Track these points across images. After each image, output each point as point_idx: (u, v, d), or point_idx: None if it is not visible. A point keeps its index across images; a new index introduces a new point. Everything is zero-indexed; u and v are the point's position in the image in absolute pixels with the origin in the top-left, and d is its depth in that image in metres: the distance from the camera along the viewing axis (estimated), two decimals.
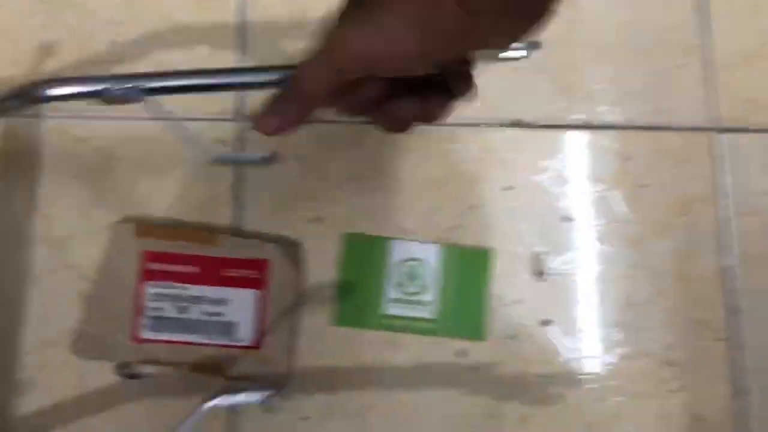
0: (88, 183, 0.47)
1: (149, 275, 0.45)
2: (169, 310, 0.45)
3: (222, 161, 0.46)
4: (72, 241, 0.46)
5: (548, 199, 0.50)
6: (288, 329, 0.46)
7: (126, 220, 0.46)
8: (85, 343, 0.45)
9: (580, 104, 0.51)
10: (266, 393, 0.41)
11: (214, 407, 0.41)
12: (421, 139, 0.49)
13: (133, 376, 0.45)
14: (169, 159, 0.47)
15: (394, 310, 0.47)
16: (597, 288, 0.49)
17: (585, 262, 0.49)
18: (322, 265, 0.47)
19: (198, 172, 0.47)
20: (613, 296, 0.49)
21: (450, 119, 0.49)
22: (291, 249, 0.47)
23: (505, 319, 0.48)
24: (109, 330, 0.45)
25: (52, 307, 0.45)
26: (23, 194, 0.46)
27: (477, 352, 0.47)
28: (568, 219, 0.49)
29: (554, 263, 0.49)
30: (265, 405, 0.45)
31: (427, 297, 0.47)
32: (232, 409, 0.45)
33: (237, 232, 0.47)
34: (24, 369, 0.44)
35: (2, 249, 0.45)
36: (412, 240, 0.48)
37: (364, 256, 0.47)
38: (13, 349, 0.45)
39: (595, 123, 0.51)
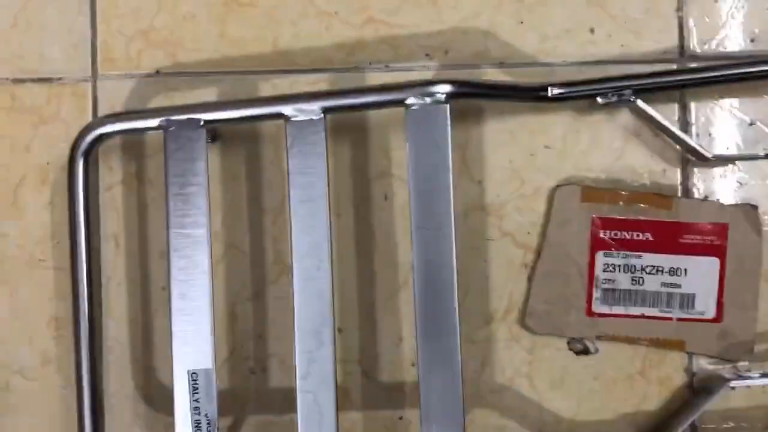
0: (521, 141, 0.43)
1: (600, 243, 0.42)
2: (623, 281, 0.41)
3: None
4: (505, 207, 0.43)
5: None
6: (751, 298, 0.42)
7: (567, 182, 0.42)
8: (536, 319, 0.42)
9: None
10: None
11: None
12: None
13: (585, 352, 0.42)
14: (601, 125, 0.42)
15: None
16: None
17: None
18: None
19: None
20: None
21: None
22: (750, 212, 0.42)
23: None
24: (559, 304, 0.42)
25: (495, 277, 0.42)
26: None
27: None
28: None
29: None
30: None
31: None
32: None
33: (691, 194, 0.42)
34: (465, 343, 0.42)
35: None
36: None
37: None
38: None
39: None
